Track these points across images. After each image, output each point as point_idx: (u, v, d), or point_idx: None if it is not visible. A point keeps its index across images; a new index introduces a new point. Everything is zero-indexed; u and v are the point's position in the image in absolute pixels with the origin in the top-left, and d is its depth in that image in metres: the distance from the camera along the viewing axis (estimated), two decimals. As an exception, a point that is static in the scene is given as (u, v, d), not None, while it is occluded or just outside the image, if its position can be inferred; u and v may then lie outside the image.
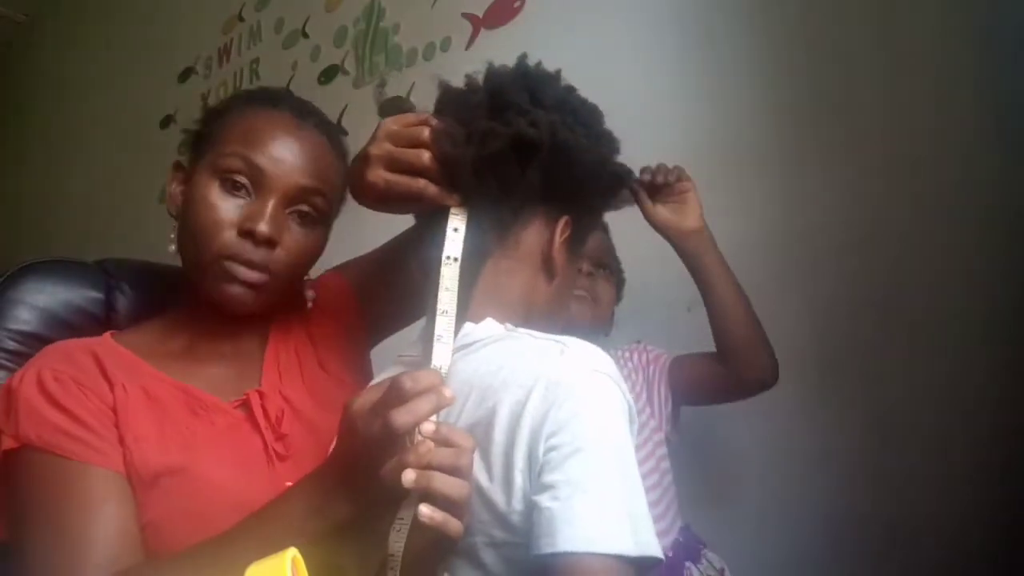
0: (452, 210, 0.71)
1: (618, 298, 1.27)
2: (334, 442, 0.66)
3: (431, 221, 0.73)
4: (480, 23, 1.77)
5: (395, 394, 0.58)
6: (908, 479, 1.13)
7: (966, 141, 1.14)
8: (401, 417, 0.57)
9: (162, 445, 0.74)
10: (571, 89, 0.77)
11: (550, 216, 0.75)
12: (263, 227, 0.77)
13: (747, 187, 1.31)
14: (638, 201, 1.06)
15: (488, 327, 0.71)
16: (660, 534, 1.04)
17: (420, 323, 0.80)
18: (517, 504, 0.61)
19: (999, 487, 1.06)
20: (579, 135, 0.72)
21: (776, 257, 1.27)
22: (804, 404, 1.16)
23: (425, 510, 0.57)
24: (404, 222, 0.85)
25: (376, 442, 0.59)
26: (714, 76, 1.40)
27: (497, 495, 0.62)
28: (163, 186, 0.86)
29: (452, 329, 0.66)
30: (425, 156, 0.70)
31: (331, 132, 0.87)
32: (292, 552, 0.52)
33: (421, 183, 0.70)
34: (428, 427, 0.59)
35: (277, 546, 0.53)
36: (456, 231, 0.70)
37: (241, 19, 2.47)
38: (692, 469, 1.16)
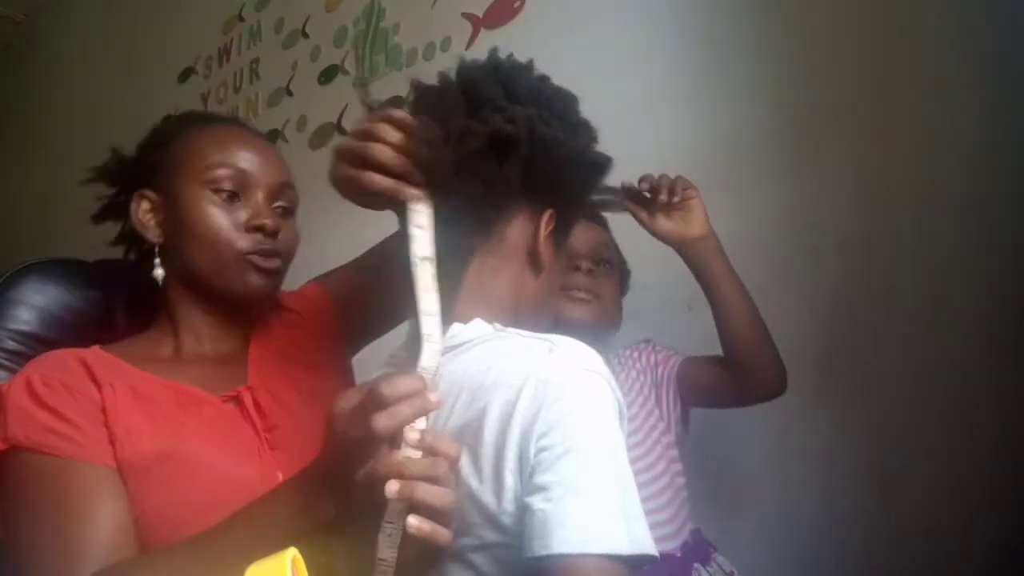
0: (411, 206, 0.68)
1: (623, 290, 1.23)
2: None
3: (403, 219, 0.72)
4: (480, 23, 1.77)
5: (374, 399, 0.57)
6: (909, 480, 1.13)
7: (967, 141, 1.13)
8: (381, 421, 0.57)
9: (154, 435, 0.76)
10: (544, 79, 0.76)
11: (533, 210, 0.75)
12: (269, 220, 0.86)
13: (748, 187, 1.31)
14: (634, 215, 1.05)
15: (476, 327, 0.71)
16: (669, 536, 1.05)
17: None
18: (508, 505, 0.61)
19: (1000, 487, 1.06)
20: (556, 128, 0.71)
21: (777, 257, 1.26)
22: (804, 404, 1.16)
23: (413, 521, 0.56)
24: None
25: (356, 445, 0.59)
26: (714, 76, 1.39)
27: (487, 496, 0.62)
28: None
29: (439, 329, 0.65)
30: (376, 149, 0.68)
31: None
32: (292, 552, 0.52)
33: (369, 177, 0.69)
34: (412, 435, 0.58)
35: (261, 544, 0.54)
36: (421, 228, 0.68)
37: (241, 19, 2.46)
38: (692, 470, 1.16)
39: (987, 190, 1.11)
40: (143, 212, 0.88)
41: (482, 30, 1.76)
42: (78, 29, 3.32)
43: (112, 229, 0.94)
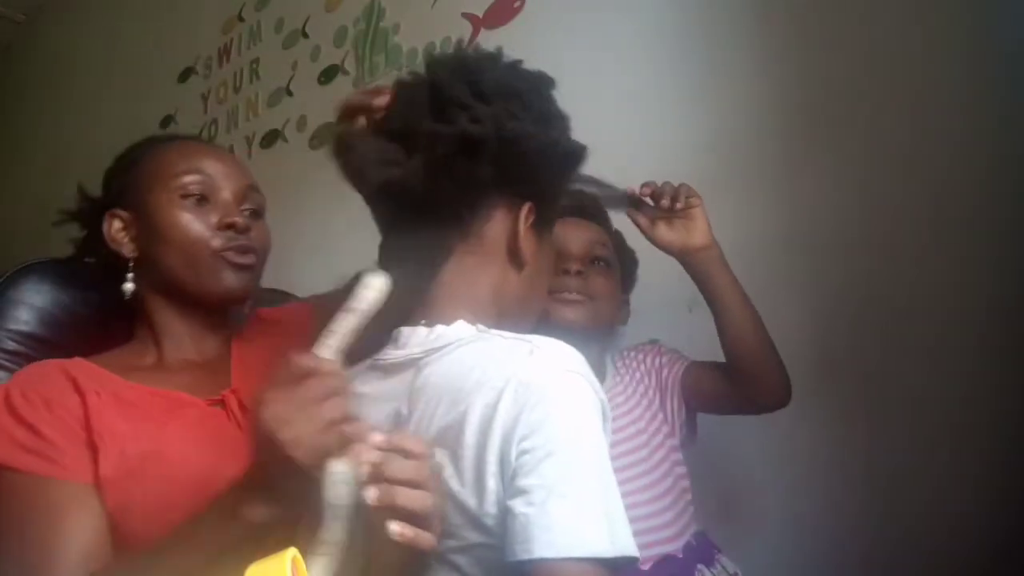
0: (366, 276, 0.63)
1: (630, 284, 1.21)
2: None
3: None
4: (480, 23, 1.77)
5: (304, 392, 0.56)
6: (912, 483, 1.13)
7: (970, 142, 1.13)
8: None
9: (136, 437, 0.77)
10: (513, 67, 0.75)
11: (511, 205, 0.74)
12: (238, 217, 0.89)
13: (748, 188, 1.30)
14: (634, 221, 1.03)
15: (459, 329, 0.70)
16: (671, 538, 1.04)
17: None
18: (490, 508, 0.60)
19: (1005, 490, 1.06)
20: (525, 122, 0.70)
21: (777, 259, 1.26)
22: (806, 408, 1.16)
23: (395, 527, 0.55)
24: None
25: (275, 429, 0.57)
26: (715, 76, 1.39)
27: (469, 499, 0.61)
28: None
29: (339, 340, 0.61)
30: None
31: None
32: (292, 552, 0.52)
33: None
34: (376, 438, 0.57)
35: (199, 554, 0.60)
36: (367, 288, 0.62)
37: (241, 19, 2.46)
38: (696, 473, 1.15)
39: (990, 192, 1.11)
40: (115, 230, 0.90)
41: (482, 30, 1.76)
42: (78, 29, 3.31)
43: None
